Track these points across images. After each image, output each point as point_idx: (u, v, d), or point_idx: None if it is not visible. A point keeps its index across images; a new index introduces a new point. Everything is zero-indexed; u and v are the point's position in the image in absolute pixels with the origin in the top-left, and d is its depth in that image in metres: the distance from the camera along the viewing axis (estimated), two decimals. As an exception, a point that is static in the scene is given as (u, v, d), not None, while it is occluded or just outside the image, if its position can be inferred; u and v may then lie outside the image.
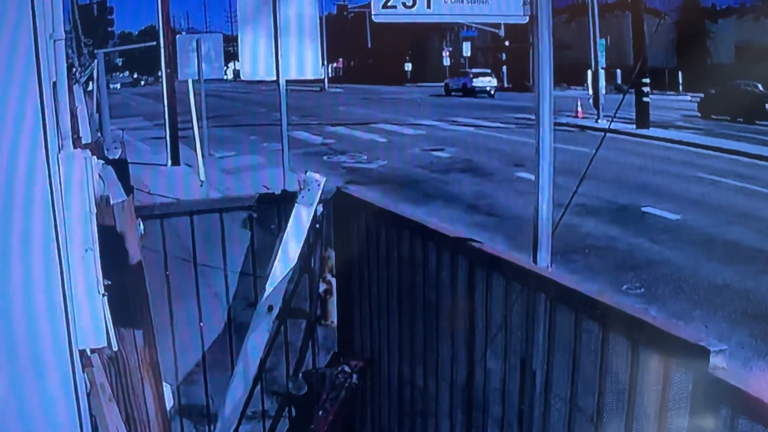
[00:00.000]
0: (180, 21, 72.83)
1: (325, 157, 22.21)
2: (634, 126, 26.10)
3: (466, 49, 58.23)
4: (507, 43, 51.28)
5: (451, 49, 62.10)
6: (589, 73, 31.96)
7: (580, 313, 3.64)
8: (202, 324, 6.16)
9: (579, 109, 30.05)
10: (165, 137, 19.98)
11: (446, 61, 61.68)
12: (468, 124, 30.34)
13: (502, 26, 40.21)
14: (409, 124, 30.33)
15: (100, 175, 3.62)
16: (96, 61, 20.54)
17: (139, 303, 4.85)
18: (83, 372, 3.34)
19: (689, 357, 2.98)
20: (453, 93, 48.84)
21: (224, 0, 79.32)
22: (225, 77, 32.51)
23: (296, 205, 6.03)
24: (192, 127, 17.48)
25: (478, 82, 48.42)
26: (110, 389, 3.98)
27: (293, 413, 6.35)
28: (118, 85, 68.47)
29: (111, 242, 4.39)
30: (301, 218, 6.03)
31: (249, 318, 6.08)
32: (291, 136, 10.88)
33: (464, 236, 4.95)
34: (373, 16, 4.94)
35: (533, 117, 4.93)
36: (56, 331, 3.13)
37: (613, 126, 17.50)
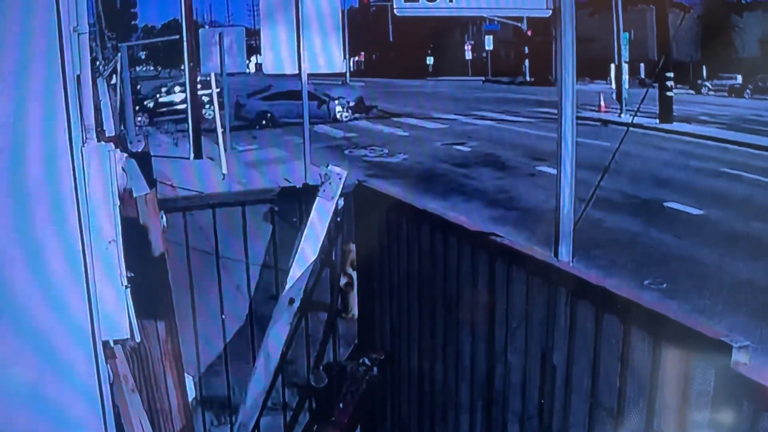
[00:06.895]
0: (203, 14, 72.83)
1: (346, 151, 22.25)
2: (657, 120, 25.93)
3: (489, 43, 57.91)
4: (529, 35, 50.98)
5: (473, 42, 61.85)
6: (613, 66, 31.77)
7: (601, 307, 3.62)
8: (224, 316, 6.17)
9: (602, 103, 29.87)
10: (188, 130, 20.08)
11: (468, 55, 61.42)
12: (490, 118, 30.24)
13: (525, 19, 40.12)
14: (431, 118, 30.28)
15: (123, 168, 3.64)
16: (119, 54, 20.63)
17: (161, 295, 4.89)
18: (106, 363, 3.37)
19: (711, 352, 2.95)
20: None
21: (247, -7, 79.14)
22: (247, 71, 32.32)
23: (317, 198, 6.03)
24: (215, 120, 17.56)
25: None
26: (133, 380, 4.01)
27: (314, 405, 6.36)
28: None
29: (134, 234, 4.42)
30: (322, 212, 6.03)
31: (270, 311, 6.09)
32: (313, 129, 10.90)
33: (485, 230, 4.93)
34: (395, 10, 4.93)
35: (555, 111, 4.91)
36: (80, 323, 3.16)
37: (636, 120, 17.37)
